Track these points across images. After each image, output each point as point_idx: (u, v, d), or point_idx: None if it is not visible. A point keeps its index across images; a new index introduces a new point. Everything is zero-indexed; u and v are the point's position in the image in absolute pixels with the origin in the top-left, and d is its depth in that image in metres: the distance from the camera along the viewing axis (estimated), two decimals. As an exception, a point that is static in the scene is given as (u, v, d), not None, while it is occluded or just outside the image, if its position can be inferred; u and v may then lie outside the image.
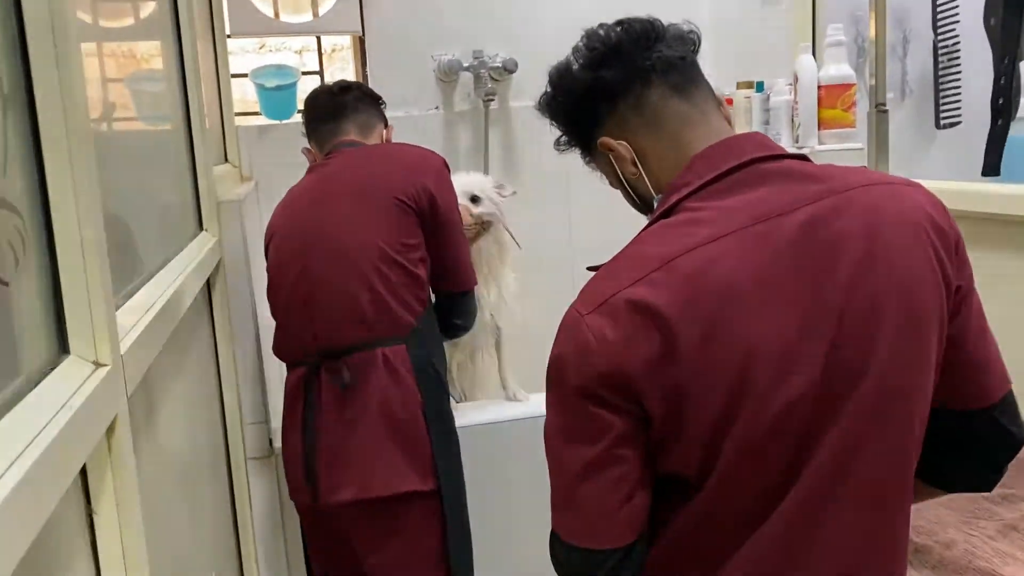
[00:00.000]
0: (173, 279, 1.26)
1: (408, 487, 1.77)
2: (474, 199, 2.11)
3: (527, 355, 2.74)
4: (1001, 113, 1.36)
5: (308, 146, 2.06)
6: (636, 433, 0.92)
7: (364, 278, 1.76)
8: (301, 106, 2.14)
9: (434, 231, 1.83)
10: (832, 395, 0.90)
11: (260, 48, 2.99)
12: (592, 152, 1.10)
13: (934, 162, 2.18)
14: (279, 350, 1.93)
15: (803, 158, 1.01)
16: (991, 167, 1.37)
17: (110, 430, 0.75)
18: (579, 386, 0.92)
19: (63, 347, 0.74)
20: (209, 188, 1.86)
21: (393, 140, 2.06)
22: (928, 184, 1.00)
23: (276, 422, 2.13)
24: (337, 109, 2.00)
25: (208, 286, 1.88)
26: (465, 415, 2.13)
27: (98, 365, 0.75)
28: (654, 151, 1.03)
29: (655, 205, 1.04)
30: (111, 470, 0.75)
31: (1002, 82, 1.37)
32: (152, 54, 1.56)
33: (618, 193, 1.12)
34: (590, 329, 0.91)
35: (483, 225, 2.14)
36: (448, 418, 1.88)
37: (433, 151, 1.92)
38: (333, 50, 3.15)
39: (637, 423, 0.92)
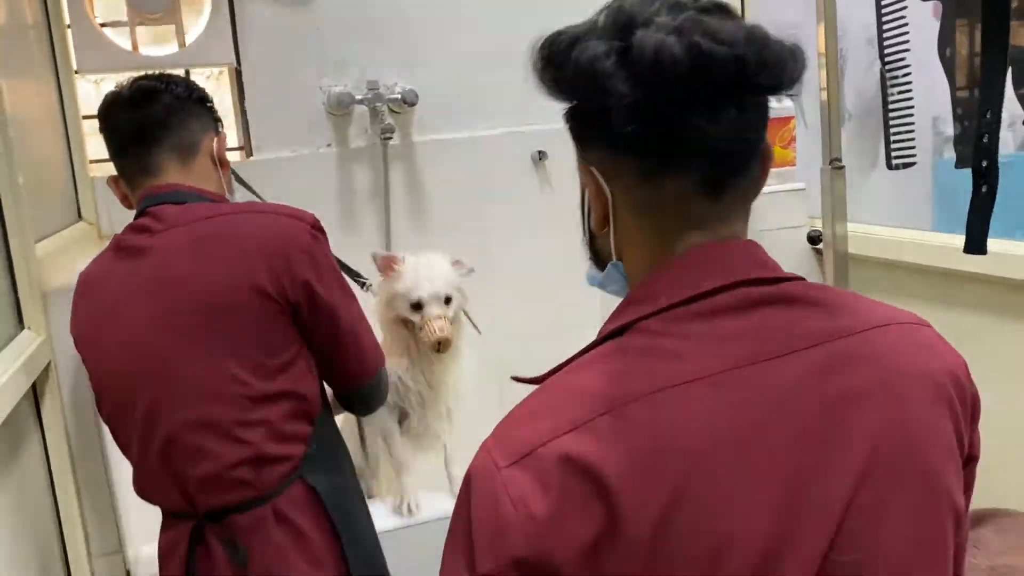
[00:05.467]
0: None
1: None
2: (448, 300, 1.79)
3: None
4: (986, 177, 1.12)
5: (115, 175, 1.49)
6: None
7: (231, 434, 1.34)
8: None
9: (317, 326, 1.40)
10: None
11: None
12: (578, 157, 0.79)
13: (882, 204, 1.96)
14: (144, 494, 1.46)
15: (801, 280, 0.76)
16: (977, 244, 1.13)
17: None
18: (486, 574, 0.67)
19: None
20: (31, 276, 1.51)
21: (225, 154, 1.52)
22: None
23: (135, 548, 1.78)
24: (144, 129, 1.43)
25: (36, 396, 1.53)
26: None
27: None
28: (634, 229, 0.75)
29: (611, 270, 0.78)
30: None
31: (985, 140, 1.13)
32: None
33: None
34: (508, 493, 0.66)
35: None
36: (369, 536, 1.53)
37: (297, 214, 1.43)
38: (218, 75, 2.77)
39: None
